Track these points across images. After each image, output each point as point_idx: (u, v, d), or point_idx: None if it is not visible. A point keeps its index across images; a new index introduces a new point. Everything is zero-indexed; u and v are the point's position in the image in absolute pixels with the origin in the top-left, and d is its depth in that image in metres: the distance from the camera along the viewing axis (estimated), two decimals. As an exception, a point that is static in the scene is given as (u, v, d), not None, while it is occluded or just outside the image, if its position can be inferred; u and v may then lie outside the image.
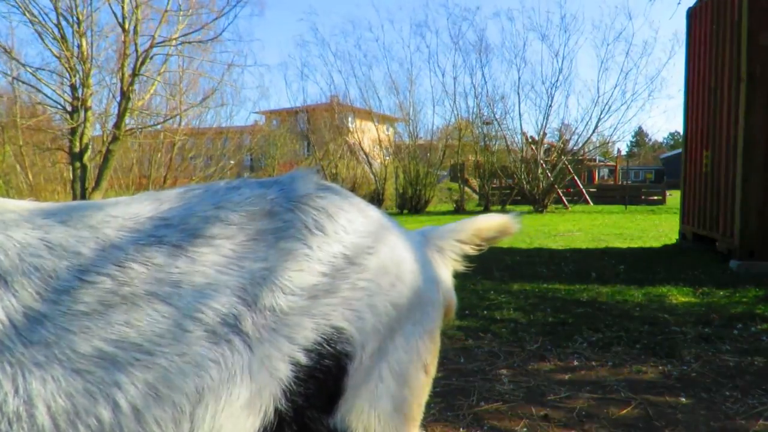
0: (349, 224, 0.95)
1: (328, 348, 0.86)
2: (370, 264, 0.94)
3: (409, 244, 1.05)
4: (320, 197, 0.96)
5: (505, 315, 4.11)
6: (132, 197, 0.93)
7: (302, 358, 0.84)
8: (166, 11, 13.97)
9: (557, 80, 19.44)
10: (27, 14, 12.93)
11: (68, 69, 13.27)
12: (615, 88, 19.10)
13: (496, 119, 18.74)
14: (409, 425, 1.02)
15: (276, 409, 0.83)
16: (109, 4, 13.47)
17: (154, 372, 0.75)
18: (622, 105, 18.08)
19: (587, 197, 20.26)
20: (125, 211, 0.87)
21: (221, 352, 0.79)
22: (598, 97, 17.95)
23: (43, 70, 13.54)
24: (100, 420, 0.72)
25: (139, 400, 0.74)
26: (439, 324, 1.07)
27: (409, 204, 18.10)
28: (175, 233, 0.83)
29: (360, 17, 55.93)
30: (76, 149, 13.31)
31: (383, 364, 0.94)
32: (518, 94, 18.73)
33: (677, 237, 8.41)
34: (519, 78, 21.45)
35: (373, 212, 1.03)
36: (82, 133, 13.37)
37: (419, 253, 1.06)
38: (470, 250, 1.16)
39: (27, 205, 0.86)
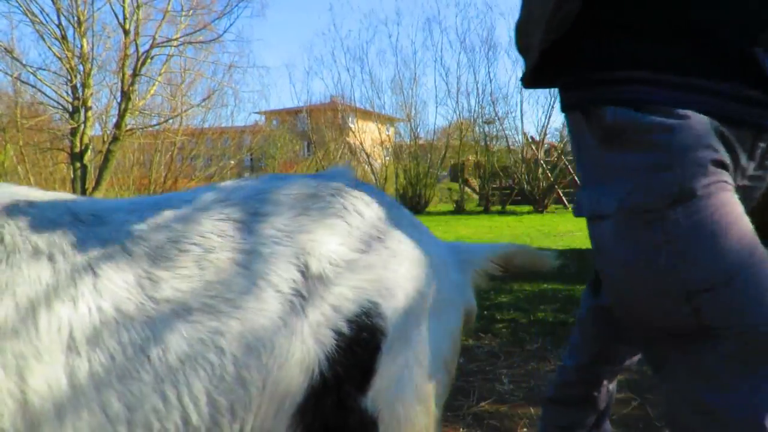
0: (384, 213, 1.05)
1: (366, 320, 0.95)
2: (401, 251, 1.02)
3: (438, 246, 1.13)
4: (358, 189, 1.07)
5: (505, 315, 4.12)
6: (186, 191, 1.06)
7: (344, 327, 0.93)
8: (167, 12, 13.99)
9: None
10: (28, 14, 12.95)
11: (69, 69, 13.29)
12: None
13: (498, 118, 18.74)
14: (430, 420, 1.06)
15: (321, 373, 0.92)
16: (110, 5, 13.49)
17: (244, 324, 0.87)
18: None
19: (587, 197, 20.22)
20: (191, 197, 1.00)
21: (286, 312, 0.90)
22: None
23: (44, 70, 13.57)
24: (212, 364, 0.84)
25: (236, 347, 0.86)
26: (460, 327, 1.12)
27: (409, 204, 18.09)
28: (237, 212, 0.96)
29: (376, 11, 55.80)
30: (77, 149, 13.33)
31: (409, 352, 1.00)
32: (521, 93, 18.66)
33: (677, 237, 8.41)
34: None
35: (405, 211, 1.12)
36: (83, 133, 13.38)
37: (448, 256, 1.13)
38: (495, 271, 1.24)
39: (111, 200, 1.01)
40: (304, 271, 0.92)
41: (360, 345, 0.94)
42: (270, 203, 0.98)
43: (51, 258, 0.79)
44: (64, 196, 0.97)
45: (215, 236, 0.91)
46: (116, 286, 0.81)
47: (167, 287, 0.85)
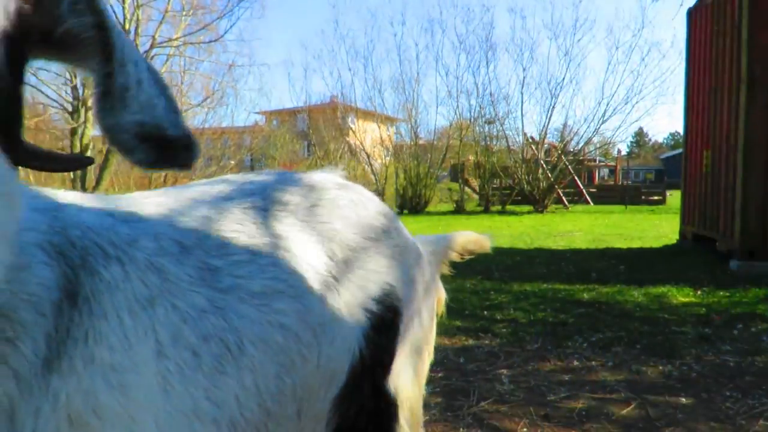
0: (382, 209, 1.12)
1: (387, 300, 1.00)
2: (402, 243, 1.10)
3: (416, 240, 1.22)
4: (353, 187, 1.13)
5: (505, 315, 4.12)
6: (195, 183, 1.04)
7: (373, 307, 0.98)
8: (167, 12, 13.98)
9: (563, 80, 18.86)
10: (27, 14, 12.93)
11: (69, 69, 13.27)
12: (618, 86, 18.86)
13: (498, 119, 18.69)
14: (420, 403, 1.13)
15: (360, 352, 0.95)
16: (110, 5, 13.48)
17: (299, 302, 0.89)
18: (626, 105, 17.97)
19: (587, 197, 20.25)
20: (209, 188, 0.99)
21: (326, 290, 0.93)
22: (602, 98, 17.87)
23: (44, 70, 13.56)
24: (277, 342, 0.86)
25: (297, 326, 0.88)
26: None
27: (409, 204, 18.09)
28: (259, 200, 0.97)
29: (379, 12, 55.64)
30: (77, 149, 13.32)
31: (411, 336, 1.07)
32: (522, 93, 18.60)
33: (677, 237, 8.41)
34: (524, 77, 20.42)
35: (390, 210, 1.19)
36: (83, 133, 13.38)
37: (423, 250, 1.21)
38: (454, 259, 1.33)
39: (126, 196, 0.96)
40: (331, 255, 0.97)
41: (385, 325, 0.99)
42: (286, 193, 1.02)
43: (119, 260, 0.74)
44: (75, 195, 0.90)
45: (249, 224, 0.92)
46: (182, 281, 0.79)
47: (227, 276, 0.84)
